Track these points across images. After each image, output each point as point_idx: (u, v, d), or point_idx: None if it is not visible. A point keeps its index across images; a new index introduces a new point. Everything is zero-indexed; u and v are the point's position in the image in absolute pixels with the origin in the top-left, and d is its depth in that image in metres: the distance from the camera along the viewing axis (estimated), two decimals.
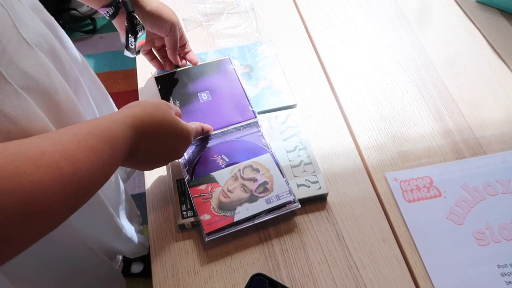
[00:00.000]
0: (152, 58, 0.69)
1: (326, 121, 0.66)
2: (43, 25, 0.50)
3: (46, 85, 0.45)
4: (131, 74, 1.68)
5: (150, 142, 0.45)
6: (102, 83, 0.76)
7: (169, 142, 0.48)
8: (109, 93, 0.79)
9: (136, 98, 0.62)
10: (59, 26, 0.58)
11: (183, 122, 0.50)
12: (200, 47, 0.77)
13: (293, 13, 0.83)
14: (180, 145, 0.51)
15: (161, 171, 0.61)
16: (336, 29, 0.80)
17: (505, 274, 0.52)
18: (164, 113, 0.47)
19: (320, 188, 0.57)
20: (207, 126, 0.59)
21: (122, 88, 1.67)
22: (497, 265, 0.52)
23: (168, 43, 0.64)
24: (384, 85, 0.71)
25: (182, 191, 0.56)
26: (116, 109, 0.80)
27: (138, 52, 0.62)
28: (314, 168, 0.59)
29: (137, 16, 0.58)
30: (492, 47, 0.77)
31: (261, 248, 0.54)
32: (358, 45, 0.77)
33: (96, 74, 0.74)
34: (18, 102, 0.40)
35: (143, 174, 0.61)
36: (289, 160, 0.59)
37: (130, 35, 0.59)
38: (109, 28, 1.91)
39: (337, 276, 0.52)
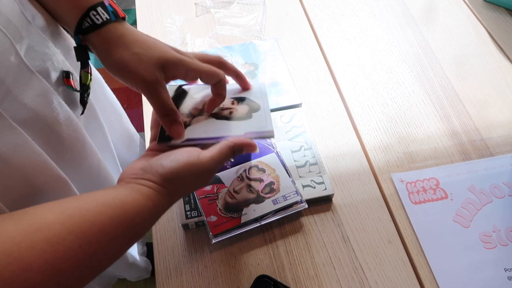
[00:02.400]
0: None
1: (331, 121, 0.66)
2: (54, 47, 0.46)
3: (47, 116, 0.43)
4: None
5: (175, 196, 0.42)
6: (103, 79, 0.69)
7: (193, 186, 0.44)
8: (110, 89, 0.75)
9: (137, 94, 0.59)
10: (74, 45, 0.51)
11: (204, 159, 0.41)
12: (201, 33, 0.76)
13: (299, 10, 0.82)
14: (204, 181, 0.44)
15: None
16: (342, 28, 0.79)
17: None
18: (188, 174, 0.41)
19: (325, 189, 0.56)
20: (242, 143, 0.45)
21: (123, 84, 1.65)
22: (504, 269, 0.52)
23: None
24: (390, 85, 0.71)
25: None
26: (130, 126, 0.74)
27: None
28: (320, 169, 0.58)
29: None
30: (500, 47, 0.76)
31: (266, 249, 0.53)
32: (364, 43, 0.76)
33: (96, 70, 0.67)
34: (11, 138, 0.38)
35: None
36: (295, 160, 0.59)
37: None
38: None
39: (342, 278, 0.51)
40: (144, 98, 0.69)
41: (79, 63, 0.47)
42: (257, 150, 0.46)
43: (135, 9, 0.83)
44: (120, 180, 0.41)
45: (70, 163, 0.49)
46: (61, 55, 0.48)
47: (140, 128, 0.69)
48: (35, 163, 0.41)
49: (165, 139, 0.46)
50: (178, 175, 0.40)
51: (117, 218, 0.35)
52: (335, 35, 0.78)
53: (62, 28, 0.50)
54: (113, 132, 0.65)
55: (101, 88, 0.66)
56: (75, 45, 0.46)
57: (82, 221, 0.33)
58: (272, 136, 0.48)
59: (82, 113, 0.51)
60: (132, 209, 0.37)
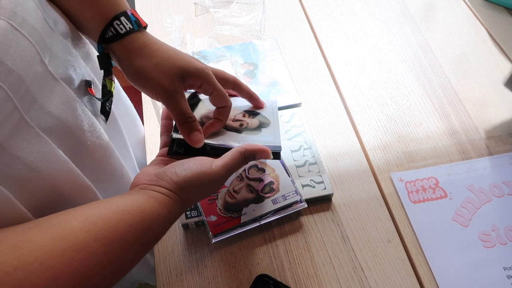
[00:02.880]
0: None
1: (331, 120, 0.66)
2: (76, 54, 0.46)
3: (71, 123, 0.43)
4: None
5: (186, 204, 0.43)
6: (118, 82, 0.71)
7: (205, 193, 0.45)
8: None
9: (136, 94, 0.59)
10: (94, 52, 0.52)
11: (216, 167, 0.42)
12: (200, 33, 0.76)
13: (298, 10, 0.82)
14: (216, 188, 0.45)
15: None
16: (341, 27, 0.79)
17: (511, 277, 0.51)
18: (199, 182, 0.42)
19: (325, 188, 0.56)
20: (254, 150, 0.45)
21: (127, 83, 1.65)
22: (503, 267, 0.52)
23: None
24: (389, 84, 0.71)
25: None
26: (141, 126, 0.73)
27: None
28: (319, 168, 0.58)
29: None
30: (499, 46, 0.76)
31: (265, 249, 0.53)
32: (364, 43, 0.76)
33: None
34: (38, 147, 0.38)
35: None
36: (294, 160, 0.59)
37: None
38: None
39: (342, 278, 0.51)
40: (144, 98, 0.69)
41: (98, 68, 0.49)
42: (271, 157, 0.46)
43: (133, 5, 0.84)
44: (133, 185, 0.42)
45: (94, 170, 0.49)
46: (82, 61, 0.47)
47: None
48: (61, 171, 0.41)
49: (175, 152, 0.47)
50: (192, 184, 0.41)
51: (136, 225, 0.36)
52: (335, 34, 0.78)
53: (81, 34, 0.50)
54: (130, 136, 0.64)
55: (117, 92, 0.65)
56: (94, 51, 0.48)
57: (106, 229, 0.34)
58: (279, 151, 0.49)
59: (106, 121, 0.52)
60: (149, 216, 0.38)
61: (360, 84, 0.71)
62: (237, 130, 0.51)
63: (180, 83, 0.45)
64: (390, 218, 0.56)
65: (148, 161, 0.61)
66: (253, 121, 0.53)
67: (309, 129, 0.62)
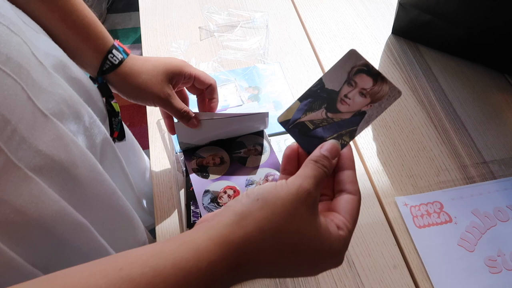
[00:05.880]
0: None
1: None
2: (67, 86, 0.46)
3: (63, 160, 0.42)
4: None
5: (263, 269, 0.29)
6: None
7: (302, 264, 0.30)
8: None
9: (139, 111, 0.61)
10: (89, 79, 0.53)
11: (332, 229, 0.30)
12: (205, 57, 0.78)
13: (301, 34, 0.83)
14: (323, 266, 0.31)
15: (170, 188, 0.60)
16: (344, 50, 0.80)
17: None
18: (300, 226, 0.28)
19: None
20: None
21: (128, 102, 1.67)
22: None
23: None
24: (392, 107, 0.71)
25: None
26: (146, 160, 0.73)
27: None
28: None
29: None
30: None
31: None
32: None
33: None
34: (27, 189, 0.37)
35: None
36: None
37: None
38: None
39: None
40: (148, 115, 0.70)
41: (89, 92, 0.52)
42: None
43: (138, 28, 0.85)
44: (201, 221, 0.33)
45: (89, 206, 0.48)
46: (75, 92, 0.48)
47: (144, 145, 0.69)
48: (52, 211, 0.39)
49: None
50: (255, 213, 0.28)
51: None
52: (337, 57, 0.79)
53: (69, 60, 0.50)
54: (129, 164, 0.64)
55: None
56: (82, 76, 0.50)
57: None
58: (266, 117, 0.58)
59: (123, 139, 0.58)
60: (180, 276, 0.26)
61: None
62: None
63: (169, 87, 0.53)
64: (395, 243, 0.56)
65: (155, 189, 0.62)
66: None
67: None
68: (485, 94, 0.73)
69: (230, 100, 0.70)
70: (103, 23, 1.98)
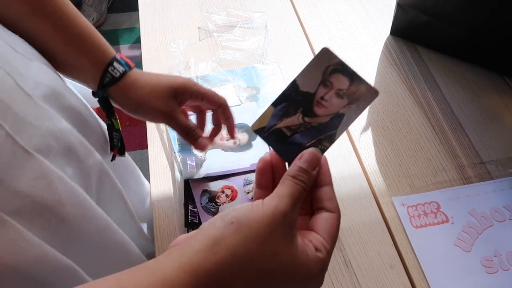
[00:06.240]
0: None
1: (332, 144, 0.66)
2: (59, 117, 0.43)
3: (47, 200, 0.39)
4: None
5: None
6: None
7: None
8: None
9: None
10: (87, 107, 0.51)
11: (309, 252, 0.28)
12: (204, 57, 0.78)
13: (300, 34, 0.84)
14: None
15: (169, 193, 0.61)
16: (342, 51, 0.81)
17: None
18: (277, 249, 0.27)
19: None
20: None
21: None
22: None
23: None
24: (390, 107, 0.72)
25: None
26: (147, 185, 0.70)
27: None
28: None
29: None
30: None
31: None
32: (364, 66, 0.78)
33: None
34: (1, 234, 0.34)
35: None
36: None
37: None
38: (112, 41, 1.93)
39: None
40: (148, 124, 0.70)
41: (84, 118, 0.50)
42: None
43: (139, 27, 0.85)
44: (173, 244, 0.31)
45: (79, 245, 0.44)
46: (68, 123, 0.44)
47: (144, 145, 0.67)
48: (31, 257, 0.36)
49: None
50: (230, 243, 0.27)
51: None
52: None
53: (65, 88, 0.48)
54: (129, 191, 0.61)
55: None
56: (77, 104, 0.49)
57: None
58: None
59: (123, 154, 0.55)
60: None
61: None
62: (233, 149, 0.57)
63: (174, 102, 0.50)
64: (392, 243, 0.56)
65: (153, 190, 0.62)
66: (243, 136, 0.60)
67: None
68: (483, 95, 0.73)
69: (229, 100, 0.70)
70: (103, 23, 1.98)
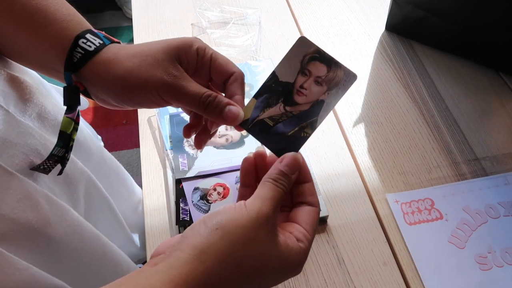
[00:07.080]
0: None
1: (326, 141, 0.66)
2: (41, 133, 0.39)
3: (33, 221, 0.37)
4: None
5: None
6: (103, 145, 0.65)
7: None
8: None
9: (135, 115, 0.59)
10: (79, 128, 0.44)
11: (292, 245, 0.30)
12: None
13: (294, 30, 0.83)
14: (283, 279, 0.32)
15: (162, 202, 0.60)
16: (336, 47, 0.80)
17: None
18: (262, 249, 0.29)
19: (320, 210, 0.56)
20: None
21: None
22: None
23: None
24: (384, 104, 0.71)
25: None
26: (138, 191, 0.67)
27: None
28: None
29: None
30: None
31: None
32: (358, 63, 0.77)
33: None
34: None
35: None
36: None
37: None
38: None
39: None
40: (139, 112, 0.69)
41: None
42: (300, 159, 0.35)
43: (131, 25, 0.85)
44: (154, 254, 0.31)
45: (67, 262, 0.43)
46: (48, 135, 0.41)
47: (136, 143, 0.67)
48: (19, 281, 0.34)
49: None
50: (217, 244, 0.28)
51: None
52: (331, 55, 0.79)
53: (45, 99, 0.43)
54: (119, 200, 0.59)
55: (101, 157, 0.60)
56: (53, 113, 0.42)
57: None
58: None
59: (60, 173, 0.41)
60: None
61: (355, 104, 0.71)
62: (225, 147, 0.55)
63: (177, 67, 0.35)
64: (385, 240, 0.56)
65: (145, 188, 0.61)
66: (236, 133, 0.58)
67: (304, 150, 0.63)
68: (478, 91, 0.73)
69: None
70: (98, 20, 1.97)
